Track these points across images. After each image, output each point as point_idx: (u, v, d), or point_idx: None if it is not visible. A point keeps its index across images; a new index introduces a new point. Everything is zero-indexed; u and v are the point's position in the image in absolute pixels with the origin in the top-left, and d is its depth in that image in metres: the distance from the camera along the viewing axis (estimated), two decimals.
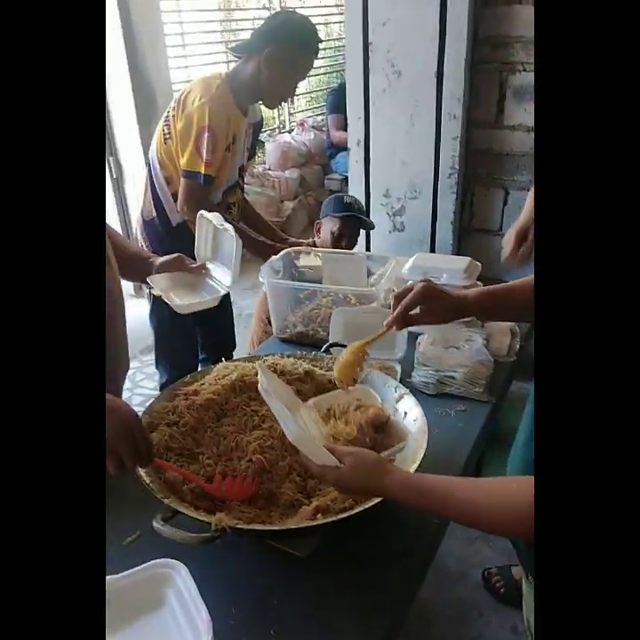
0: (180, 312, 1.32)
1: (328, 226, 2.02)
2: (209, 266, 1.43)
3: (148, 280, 1.32)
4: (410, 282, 1.33)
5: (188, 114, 1.68)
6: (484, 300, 1.01)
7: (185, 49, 4.27)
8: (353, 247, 2.09)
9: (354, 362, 1.06)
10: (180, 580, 0.71)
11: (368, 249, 2.52)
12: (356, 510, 0.86)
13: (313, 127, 5.14)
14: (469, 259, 1.62)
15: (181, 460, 0.99)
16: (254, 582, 0.89)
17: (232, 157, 1.80)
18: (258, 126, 1.98)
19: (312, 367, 1.21)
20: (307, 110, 5.82)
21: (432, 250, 2.57)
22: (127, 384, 2.42)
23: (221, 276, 1.38)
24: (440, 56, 2.19)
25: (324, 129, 4.92)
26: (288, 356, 1.24)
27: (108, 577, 0.71)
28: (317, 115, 5.56)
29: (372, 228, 2.24)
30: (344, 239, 2.00)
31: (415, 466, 0.91)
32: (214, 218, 1.40)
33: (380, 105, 2.39)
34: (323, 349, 1.30)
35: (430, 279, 1.05)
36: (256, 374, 1.15)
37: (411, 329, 1.55)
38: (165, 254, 1.85)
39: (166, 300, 1.30)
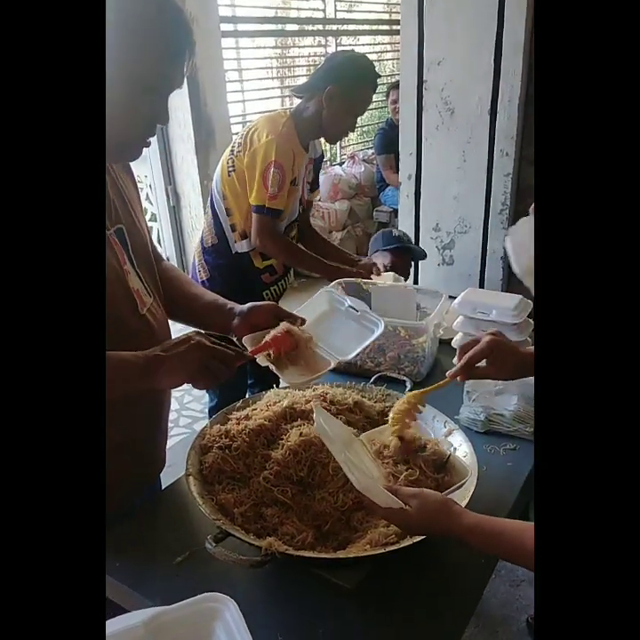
0: (294, 388, 1.24)
1: (379, 261, 2.04)
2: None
3: (244, 342, 1.17)
4: (475, 334, 1.34)
5: (254, 150, 1.76)
6: None
7: (242, 84, 4.45)
8: (406, 280, 2.11)
9: (408, 410, 1.06)
10: (229, 615, 0.70)
11: (416, 282, 2.54)
12: (404, 544, 0.86)
13: (363, 160, 5.24)
14: (520, 296, 1.61)
15: (233, 483, 1.01)
16: (301, 611, 0.90)
17: (294, 193, 1.88)
18: (319, 161, 2.05)
19: (361, 398, 1.22)
20: (357, 144, 5.93)
21: (481, 285, 2.57)
22: (175, 405, 2.49)
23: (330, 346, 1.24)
24: (494, 94, 2.22)
25: (374, 162, 5.00)
26: (337, 386, 1.26)
27: (155, 608, 0.72)
28: (368, 148, 5.66)
29: (423, 257, 2.25)
30: (397, 272, 2.03)
31: (465, 502, 0.90)
32: (359, 305, 1.31)
33: (433, 141, 2.43)
34: (371, 381, 1.31)
35: (500, 332, 1.04)
36: (306, 402, 1.18)
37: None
38: (224, 281, 1.92)
39: (277, 373, 1.15)
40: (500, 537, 0.75)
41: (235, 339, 1.22)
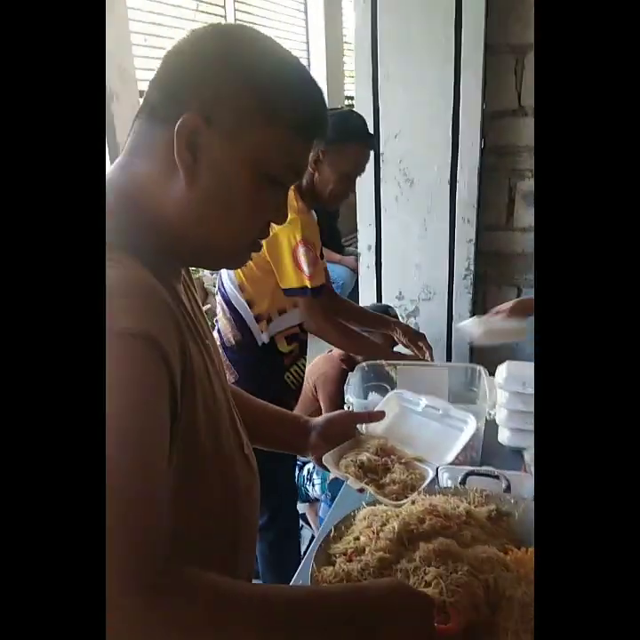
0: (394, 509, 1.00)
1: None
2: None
3: (323, 462, 0.99)
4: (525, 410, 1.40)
5: (274, 235, 1.56)
6: None
7: None
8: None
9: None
10: None
11: None
12: None
13: None
14: None
15: None
16: None
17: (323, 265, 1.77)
18: None
19: (470, 506, 1.05)
20: None
21: (448, 351, 2.54)
22: None
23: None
24: (453, 165, 2.25)
25: None
26: (429, 493, 1.08)
27: None
28: None
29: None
30: None
31: None
32: (438, 403, 1.15)
33: (392, 212, 2.40)
34: (460, 480, 1.15)
35: None
36: (421, 522, 0.98)
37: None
38: (252, 379, 1.65)
39: (376, 496, 0.97)
40: None
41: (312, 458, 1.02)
